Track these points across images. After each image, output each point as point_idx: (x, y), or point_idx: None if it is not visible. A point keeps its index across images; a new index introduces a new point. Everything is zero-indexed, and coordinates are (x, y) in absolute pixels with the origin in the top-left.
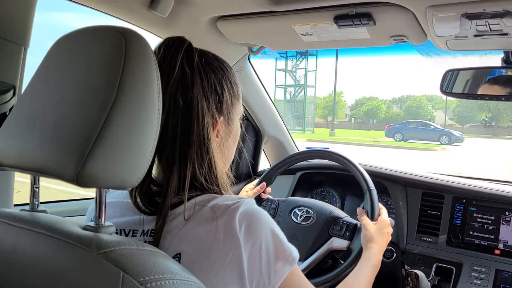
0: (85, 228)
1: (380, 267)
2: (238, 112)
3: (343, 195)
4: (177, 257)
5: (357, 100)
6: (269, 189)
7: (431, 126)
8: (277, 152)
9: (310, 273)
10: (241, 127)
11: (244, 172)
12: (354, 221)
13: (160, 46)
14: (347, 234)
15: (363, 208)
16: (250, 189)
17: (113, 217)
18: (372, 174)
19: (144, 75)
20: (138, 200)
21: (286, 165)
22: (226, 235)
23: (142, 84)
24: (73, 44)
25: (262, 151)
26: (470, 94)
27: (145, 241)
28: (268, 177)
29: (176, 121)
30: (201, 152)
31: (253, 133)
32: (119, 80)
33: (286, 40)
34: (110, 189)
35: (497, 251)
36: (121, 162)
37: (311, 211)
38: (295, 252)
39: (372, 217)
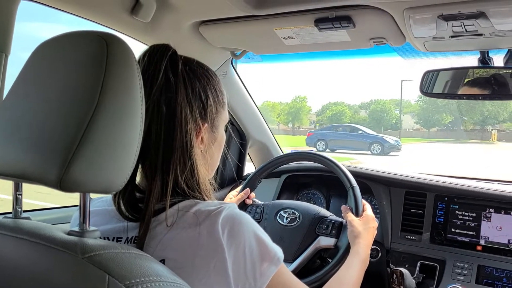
0: (70, 233)
1: None
2: (223, 119)
3: (328, 196)
4: (162, 263)
5: (324, 105)
6: (253, 195)
7: (360, 131)
8: (262, 156)
9: (299, 274)
10: (226, 131)
11: (229, 177)
12: (340, 219)
13: (144, 54)
14: (334, 232)
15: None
16: (234, 195)
17: (97, 225)
18: (356, 174)
19: (126, 79)
20: (122, 206)
21: (269, 169)
22: (210, 240)
23: (124, 88)
24: (53, 49)
25: (247, 155)
26: (449, 94)
27: None
28: (251, 183)
29: (160, 128)
30: (183, 159)
31: (238, 137)
32: (101, 84)
33: (268, 44)
34: (93, 197)
35: (479, 247)
36: (105, 166)
37: (296, 213)
38: (279, 252)
39: (357, 213)
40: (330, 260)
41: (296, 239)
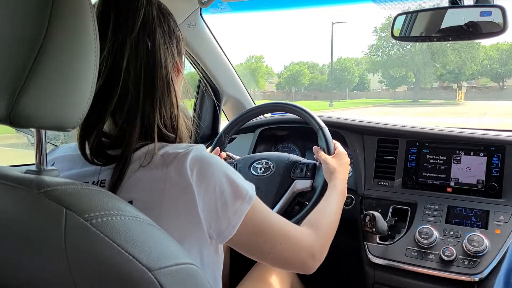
0: (26, 172)
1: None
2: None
3: (303, 149)
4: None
5: (286, 66)
6: (223, 154)
7: None
8: (237, 111)
9: None
10: (198, 88)
11: (205, 135)
12: (313, 161)
13: None
14: (308, 173)
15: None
16: None
17: (61, 171)
18: (329, 124)
19: (76, 10)
20: (87, 151)
21: (236, 126)
22: (178, 181)
23: (74, 20)
24: None
25: (222, 112)
26: (420, 37)
27: None
28: (220, 142)
29: (139, 66)
30: (164, 99)
31: (211, 93)
32: (49, 16)
33: None
34: (58, 145)
35: (449, 189)
36: (57, 101)
37: (270, 162)
38: (251, 190)
39: (329, 152)
40: (308, 203)
41: (272, 187)
